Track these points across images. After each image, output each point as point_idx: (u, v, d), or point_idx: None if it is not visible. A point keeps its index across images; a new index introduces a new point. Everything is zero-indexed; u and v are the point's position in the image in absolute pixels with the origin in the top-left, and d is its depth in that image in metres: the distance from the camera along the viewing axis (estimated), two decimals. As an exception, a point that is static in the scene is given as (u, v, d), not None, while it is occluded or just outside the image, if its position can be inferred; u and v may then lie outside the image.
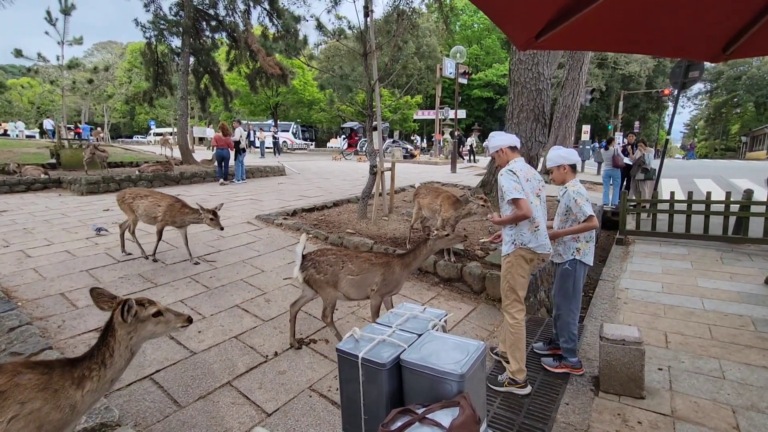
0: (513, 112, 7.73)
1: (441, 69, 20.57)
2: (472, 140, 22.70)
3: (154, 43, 13.17)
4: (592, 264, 2.90)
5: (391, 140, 24.46)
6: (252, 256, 5.03)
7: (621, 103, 34.66)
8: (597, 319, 3.82)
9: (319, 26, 5.97)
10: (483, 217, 5.26)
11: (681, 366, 2.99)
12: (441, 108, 23.48)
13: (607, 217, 8.32)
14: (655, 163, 9.04)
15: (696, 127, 61.99)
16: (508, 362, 2.73)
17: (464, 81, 20.07)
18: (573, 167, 2.90)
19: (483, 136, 23.42)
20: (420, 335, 1.67)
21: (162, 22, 12.80)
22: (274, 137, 22.86)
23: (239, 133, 10.78)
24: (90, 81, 18.06)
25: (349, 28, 6.25)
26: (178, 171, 10.76)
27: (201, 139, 24.20)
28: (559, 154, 2.87)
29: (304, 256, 3.04)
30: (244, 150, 10.93)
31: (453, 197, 4.98)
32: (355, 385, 1.63)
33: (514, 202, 2.50)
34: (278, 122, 29.66)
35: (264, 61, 13.22)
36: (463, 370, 1.39)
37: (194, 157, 13.68)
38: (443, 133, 23.59)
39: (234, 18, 13.56)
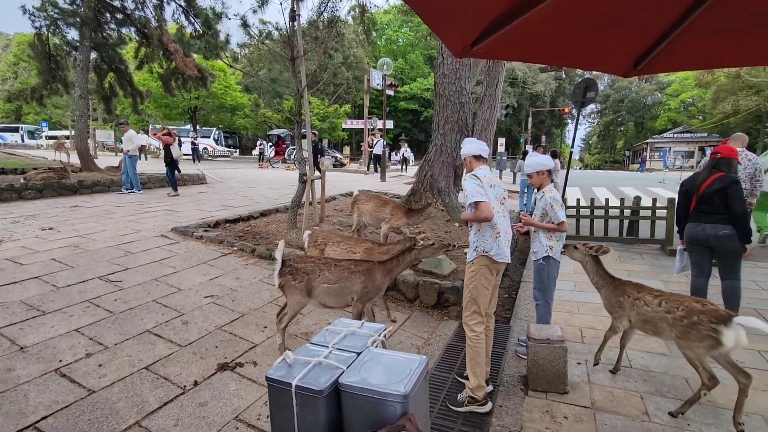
0: (439, 124, 8.04)
1: (368, 80, 20.88)
2: (404, 151, 23.30)
3: (46, 33, 11.51)
4: (560, 260, 3.21)
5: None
6: (167, 274, 4.52)
7: (530, 119, 38.28)
8: (522, 320, 4.04)
9: (245, 25, 5.64)
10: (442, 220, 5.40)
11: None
12: (369, 118, 23.77)
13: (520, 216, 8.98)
14: (560, 174, 10.05)
15: (590, 142, 70.56)
16: (467, 378, 2.66)
17: (391, 93, 20.60)
18: (549, 172, 3.17)
19: (411, 146, 24.16)
20: (359, 353, 1.57)
21: (55, 10, 11.23)
22: (193, 143, 21.24)
23: (129, 138, 9.52)
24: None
25: (276, 29, 6.01)
26: (76, 179, 9.43)
27: (141, 147, 21.51)
28: (537, 161, 3.11)
29: (283, 262, 3.01)
30: (137, 157, 9.72)
31: (403, 206, 5.03)
32: (289, 415, 1.47)
33: (476, 204, 2.50)
34: (197, 127, 27.67)
35: (180, 61, 12.24)
36: (407, 390, 1.32)
37: (96, 164, 12.13)
38: (371, 144, 23.87)
39: (144, 12, 12.39)
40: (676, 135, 43.74)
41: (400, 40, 42.44)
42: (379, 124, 21.92)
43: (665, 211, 6.43)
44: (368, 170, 19.00)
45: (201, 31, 12.21)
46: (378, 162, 18.27)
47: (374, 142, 18.82)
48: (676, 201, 3.84)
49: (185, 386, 2.67)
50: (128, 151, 9.34)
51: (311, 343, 1.70)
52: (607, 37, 1.46)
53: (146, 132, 26.70)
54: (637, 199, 7.18)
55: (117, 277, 4.31)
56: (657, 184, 18.62)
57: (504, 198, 2.73)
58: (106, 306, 3.66)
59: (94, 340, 3.13)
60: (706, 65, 1.64)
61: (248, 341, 3.28)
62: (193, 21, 12.54)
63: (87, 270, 4.41)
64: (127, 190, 9.51)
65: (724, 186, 3.37)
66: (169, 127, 15.54)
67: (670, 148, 41.91)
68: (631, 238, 6.90)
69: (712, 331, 2.40)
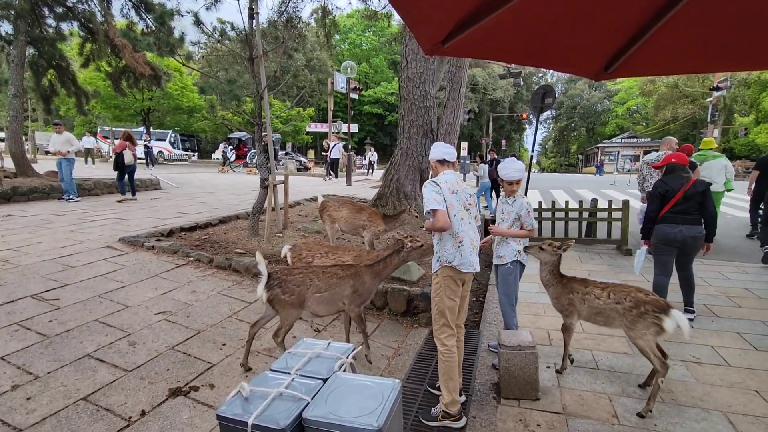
0: (404, 127, 8.02)
1: (332, 83, 20.66)
2: (370, 155, 23.24)
3: (-28, 25, 10.45)
4: (526, 264, 3.28)
5: (284, 152, 23.62)
6: (112, 289, 4.13)
7: (491, 124, 39.47)
8: (491, 324, 4.02)
9: (197, 22, 5.32)
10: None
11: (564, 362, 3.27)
12: (334, 121, 23.55)
13: (486, 226, 9.13)
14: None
15: (546, 146, 73.79)
16: (439, 390, 2.56)
17: (355, 96, 20.46)
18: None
19: (376, 150, 24.15)
20: (325, 380, 1.42)
21: (-16, 0, 10.21)
22: (146, 147, 20.07)
23: (68, 140, 8.77)
24: None
25: (233, 29, 5.73)
26: (9, 185, 8.56)
27: (88, 150, 19.75)
28: (514, 168, 3.08)
29: (269, 274, 2.86)
30: (75, 160, 8.98)
31: (378, 211, 4.91)
32: (246, 454, 1.29)
33: (433, 212, 2.40)
34: (151, 130, 26.24)
35: (131, 58, 11.48)
36: (380, 423, 1.18)
37: (35, 169, 11.12)
38: (327, 147, 23.65)
39: (89, 6, 11.55)
40: (623, 140, 46.67)
41: (363, 44, 42.52)
42: (344, 127, 21.75)
43: (620, 212, 6.71)
44: (326, 177, 17.52)
45: (153, 27, 11.54)
46: (335, 167, 17.17)
47: (330, 145, 17.53)
48: (649, 203, 3.94)
49: (131, 417, 2.40)
50: (67, 153, 8.61)
51: (271, 370, 1.52)
52: (579, 38, 1.43)
53: (94, 135, 25.03)
54: (594, 201, 7.46)
55: (53, 294, 3.89)
56: (609, 186, 19.67)
57: (469, 204, 2.60)
58: (39, 329, 3.27)
59: (23, 369, 2.76)
60: (673, 70, 1.66)
61: (204, 361, 3.02)
62: (144, 16, 11.83)
63: (17, 288, 3.95)
64: (69, 196, 8.77)
65: (703, 190, 3.63)
66: (123, 129, 14.59)
67: (619, 152, 44.67)
68: (589, 239, 7.15)
69: (656, 319, 2.59)
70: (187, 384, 2.74)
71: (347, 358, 1.60)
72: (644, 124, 49.24)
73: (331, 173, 17.12)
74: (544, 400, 2.74)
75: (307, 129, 32.67)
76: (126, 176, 9.26)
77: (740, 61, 1.67)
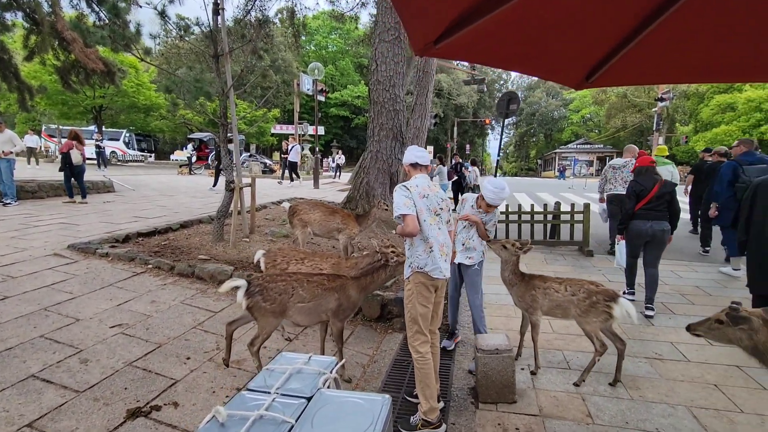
0: (374, 131, 7.98)
1: (298, 84, 20.35)
2: (337, 158, 23.05)
3: None
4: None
5: (248, 154, 22.96)
6: (61, 301, 3.78)
7: (455, 129, 40.36)
8: (466, 327, 4.03)
9: (162, 15, 5.00)
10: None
11: (537, 362, 3.32)
12: (300, 123, 23.16)
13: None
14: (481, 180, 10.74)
15: (508, 151, 76.44)
16: (416, 397, 2.52)
17: (322, 98, 20.23)
18: None
19: (343, 153, 24.01)
20: (309, 398, 1.32)
21: None
22: (98, 147, 18.82)
23: (10, 139, 8.06)
24: None
25: (197, 24, 5.46)
26: (-65, 188, 7.72)
27: (31, 150, 18.05)
28: (500, 195, 3.05)
29: (249, 281, 2.76)
30: (15, 161, 8.27)
31: (351, 213, 4.81)
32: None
33: (402, 217, 2.36)
34: (104, 129, 24.71)
35: (81, 52, 10.73)
36: (375, 443, 1.11)
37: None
38: (303, 149, 23.31)
39: (33, -6, 10.68)
40: (578, 146, 49.18)
41: (330, 46, 42.22)
42: (311, 129, 21.44)
43: (582, 215, 6.99)
44: (281, 180, 15.95)
45: (107, 20, 10.85)
46: (294, 170, 15.80)
47: (288, 147, 15.79)
48: (626, 201, 4.43)
49: (84, 444, 2.17)
50: (9, 153, 7.90)
51: (248, 390, 1.40)
52: (564, 48, 1.44)
53: (38, 133, 23.21)
54: (558, 204, 7.74)
55: (-9, 308, 3.50)
56: (567, 189, 20.58)
57: (440, 209, 2.54)
58: (-26, 348, 2.92)
59: (-46, 394, 2.45)
60: (653, 80, 1.71)
61: (167, 377, 2.81)
62: (97, 8, 11.09)
63: (-53, 302, 3.53)
64: (7, 200, 8.02)
65: (671, 189, 4.17)
66: (70, 128, 13.57)
67: (575, 157, 46.99)
68: (553, 241, 7.40)
69: (607, 307, 2.91)
70: (147, 403, 2.53)
71: (331, 372, 1.51)
72: (597, 131, 52.08)
73: (294, 176, 15.83)
74: (520, 402, 2.76)
75: (272, 131, 31.95)
76: (74, 177, 8.62)
77: (706, 74, 1.75)
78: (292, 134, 23.09)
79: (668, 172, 6.94)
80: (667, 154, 7.65)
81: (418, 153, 2.61)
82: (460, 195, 11.30)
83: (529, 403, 2.76)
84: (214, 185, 12.23)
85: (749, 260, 3.37)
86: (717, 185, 5.16)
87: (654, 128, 29.19)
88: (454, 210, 3.57)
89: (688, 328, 2.18)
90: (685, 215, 10.69)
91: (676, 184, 4.31)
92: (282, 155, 17.68)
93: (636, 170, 4.48)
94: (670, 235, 4.20)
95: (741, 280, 5.34)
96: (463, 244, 3.33)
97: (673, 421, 2.54)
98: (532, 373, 3.13)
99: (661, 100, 25.99)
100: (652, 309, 4.22)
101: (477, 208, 3.27)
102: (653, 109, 29.98)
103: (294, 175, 15.84)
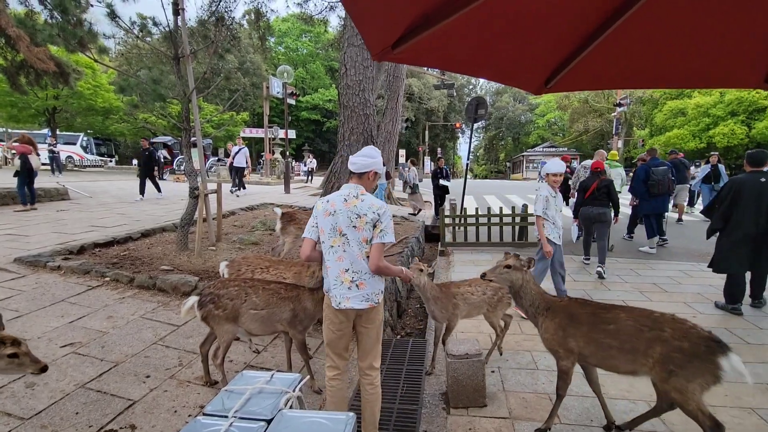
0: (345, 134, 7.94)
1: (268, 87, 19.97)
2: (309, 161, 22.78)
3: None
4: None
5: (215, 158, 22.29)
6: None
7: (426, 132, 40.84)
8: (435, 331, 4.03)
9: (112, 15, 4.76)
10: None
11: (506, 364, 3.37)
12: (270, 127, 22.73)
13: (428, 232, 9.31)
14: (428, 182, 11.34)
15: (477, 154, 78.21)
16: None
17: (292, 102, 19.95)
18: None
19: (315, 156, 23.77)
20: (270, 421, 1.26)
21: None
22: (52, 152, 17.75)
23: None
24: None
25: (155, 24, 5.24)
26: None
27: None
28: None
29: (200, 293, 2.74)
30: None
31: None
32: None
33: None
34: (59, 132, 23.35)
35: (29, 52, 10.11)
36: (338, 465, 1.07)
37: None
38: (273, 153, 22.90)
39: (-26, -10, 9.97)
40: (544, 149, 50.91)
41: (300, 49, 41.80)
42: (281, 133, 21.08)
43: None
44: (232, 188, 12.71)
45: (59, 18, 10.27)
46: (239, 175, 13.08)
47: (233, 150, 13.43)
48: (576, 196, 6.15)
49: (28, 476, 2.01)
50: None
51: (204, 415, 1.31)
52: (523, 53, 1.47)
53: (-17, 137, 21.67)
54: (525, 207, 7.95)
55: None
56: (534, 191, 21.18)
57: (353, 226, 2.14)
58: None
59: None
60: (608, 85, 1.77)
61: (124, 398, 2.65)
62: (48, 5, 10.48)
63: None
64: None
65: (606, 184, 5.67)
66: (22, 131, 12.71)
67: (542, 160, 48.56)
68: (522, 242, 7.58)
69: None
70: (101, 428, 2.37)
71: (294, 391, 1.45)
72: (561, 135, 54.15)
73: (240, 183, 13.00)
74: (491, 405, 2.78)
75: (241, 134, 31.21)
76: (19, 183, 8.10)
77: (657, 80, 1.83)
78: (272, 138, 22.62)
79: (618, 174, 7.69)
80: (618, 158, 8.96)
81: (353, 159, 2.30)
82: (442, 202, 11.29)
83: (499, 406, 2.79)
84: (159, 191, 11.10)
85: (722, 245, 4.24)
86: (635, 183, 6.96)
87: (614, 132, 30.65)
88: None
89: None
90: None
91: (611, 181, 5.84)
92: (226, 158, 14.79)
93: (590, 171, 6.16)
94: (616, 217, 5.71)
95: (692, 277, 5.66)
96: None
97: (635, 416, 2.62)
98: (427, 374, 3.26)
99: (620, 105, 27.33)
100: (604, 268, 5.62)
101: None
102: (612, 114, 31.48)
103: (239, 182, 12.97)
